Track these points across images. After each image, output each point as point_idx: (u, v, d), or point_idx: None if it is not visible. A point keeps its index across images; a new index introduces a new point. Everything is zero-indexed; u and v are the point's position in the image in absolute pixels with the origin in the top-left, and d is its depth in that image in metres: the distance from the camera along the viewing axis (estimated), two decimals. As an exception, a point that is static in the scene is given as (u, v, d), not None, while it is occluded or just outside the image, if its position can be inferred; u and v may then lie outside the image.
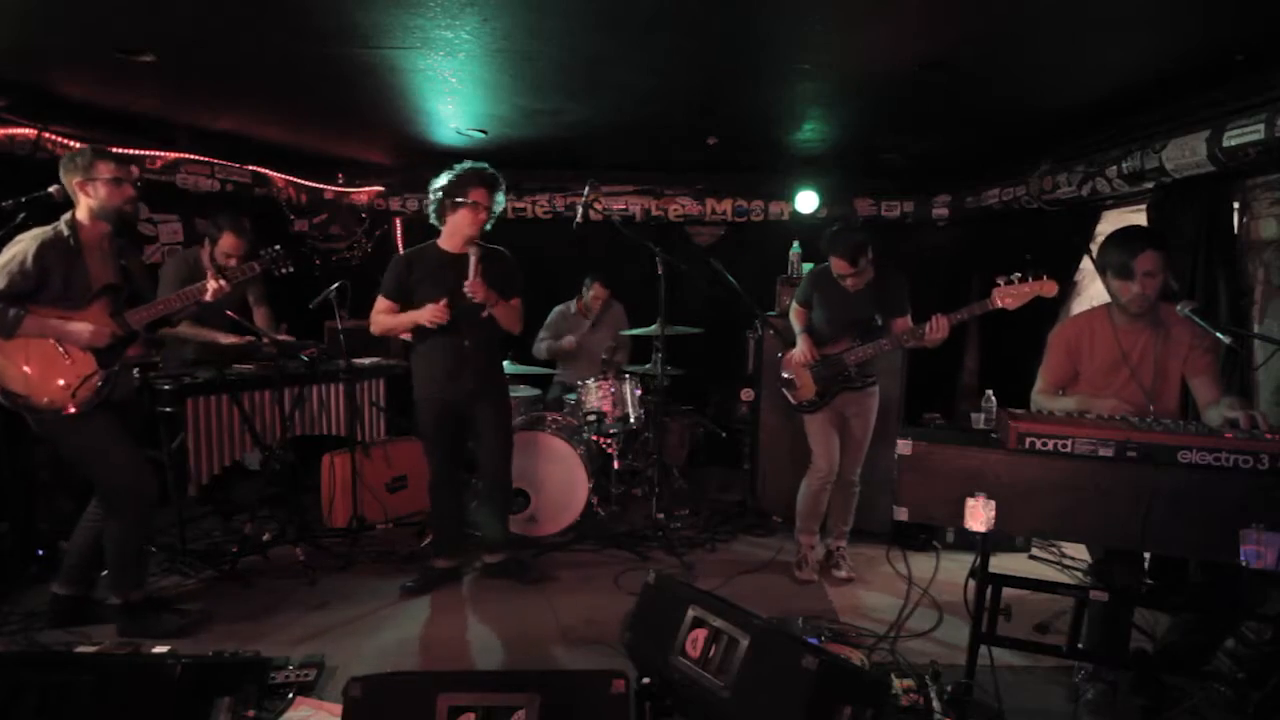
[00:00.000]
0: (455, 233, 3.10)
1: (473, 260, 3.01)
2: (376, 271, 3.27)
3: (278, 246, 3.09)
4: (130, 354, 2.78)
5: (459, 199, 3.03)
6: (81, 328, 2.61)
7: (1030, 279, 2.79)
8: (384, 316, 3.15)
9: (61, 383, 2.59)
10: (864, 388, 3.38)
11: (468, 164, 3.08)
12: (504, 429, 3.37)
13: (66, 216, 2.63)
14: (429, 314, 3.03)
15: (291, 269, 3.11)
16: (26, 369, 2.56)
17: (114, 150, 2.69)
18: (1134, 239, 2.40)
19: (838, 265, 3.17)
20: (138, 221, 2.78)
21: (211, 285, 2.82)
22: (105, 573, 2.83)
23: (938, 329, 3.01)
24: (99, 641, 2.72)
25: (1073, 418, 2.16)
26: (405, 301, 3.13)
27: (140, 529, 2.81)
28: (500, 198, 3.13)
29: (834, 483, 3.48)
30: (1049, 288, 2.79)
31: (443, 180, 3.07)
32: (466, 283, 2.99)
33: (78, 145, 3.51)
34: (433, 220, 3.16)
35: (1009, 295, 2.81)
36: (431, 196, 3.11)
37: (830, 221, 5.08)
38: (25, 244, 2.51)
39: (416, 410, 3.28)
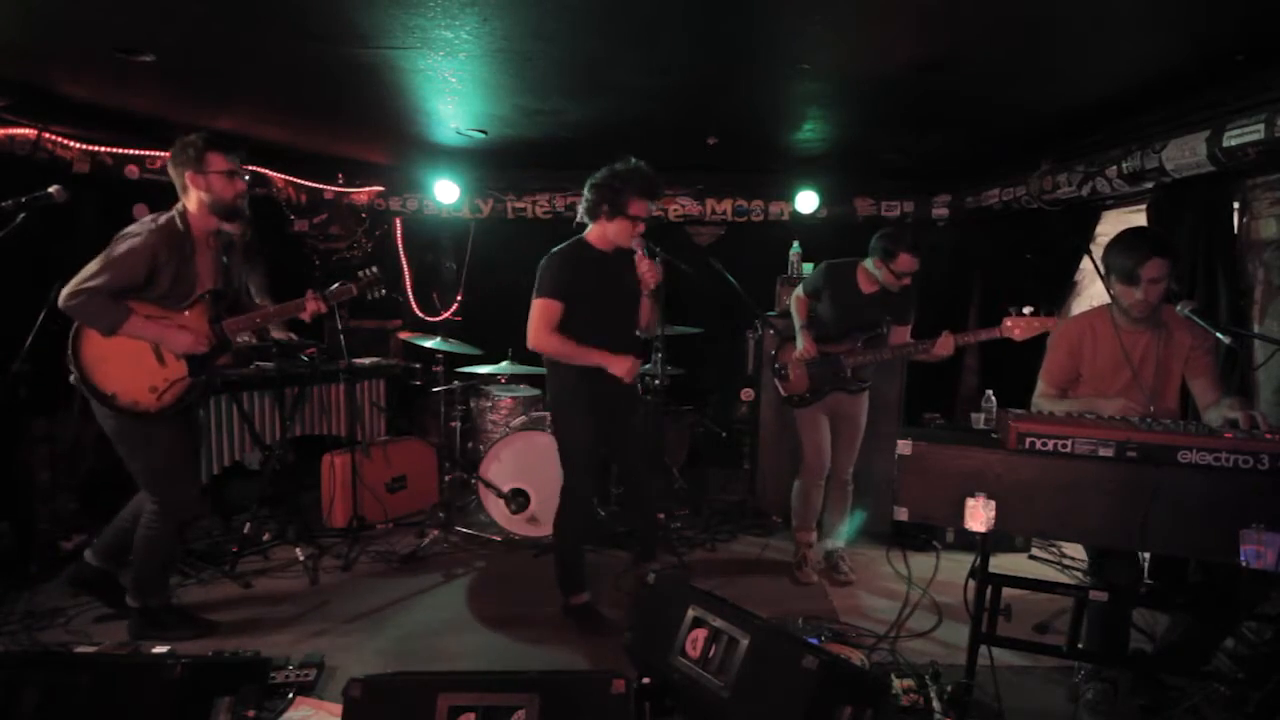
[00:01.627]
0: (607, 239, 2.83)
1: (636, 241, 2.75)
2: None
3: (374, 268, 3.03)
4: (220, 363, 2.74)
5: (625, 211, 2.75)
6: (183, 335, 2.56)
7: (1041, 314, 2.86)
8: (563, 345, 2.75)
9: (150, 385, 2.56)
10: (857, 391, 3.38)
11: (639, 167, 2.80)
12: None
13: (179, 208, 2.57)
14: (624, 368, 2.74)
15: (384, 292, 3.06)
16: (120, 367, 2.52)
17: (225, 141, 2.58)
18: (1141, 245, 2.37)
19: (908, 263, 3.14)
20: (244, 218, 2.67)
21: (311, 304, 2.81)
22: (129, 574, 2.80)
23: (944, 346, 3.05)
24: (99, 641, 2.72)
25: (1072, 417, 2.16)
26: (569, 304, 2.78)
27: (170, 538, 2.79)
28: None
29: (829, 482, 3.48)
30: (1053, 325, 2.82)
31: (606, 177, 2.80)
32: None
33: (77, 145, 3.52)
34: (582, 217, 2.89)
35: (1019, 327, 2.87)
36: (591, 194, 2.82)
37: (830, 221, 5.11)
38: (141, 238, 2.46)
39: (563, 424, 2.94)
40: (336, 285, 2.92)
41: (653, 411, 4.12)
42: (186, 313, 2.60)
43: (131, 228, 2.51)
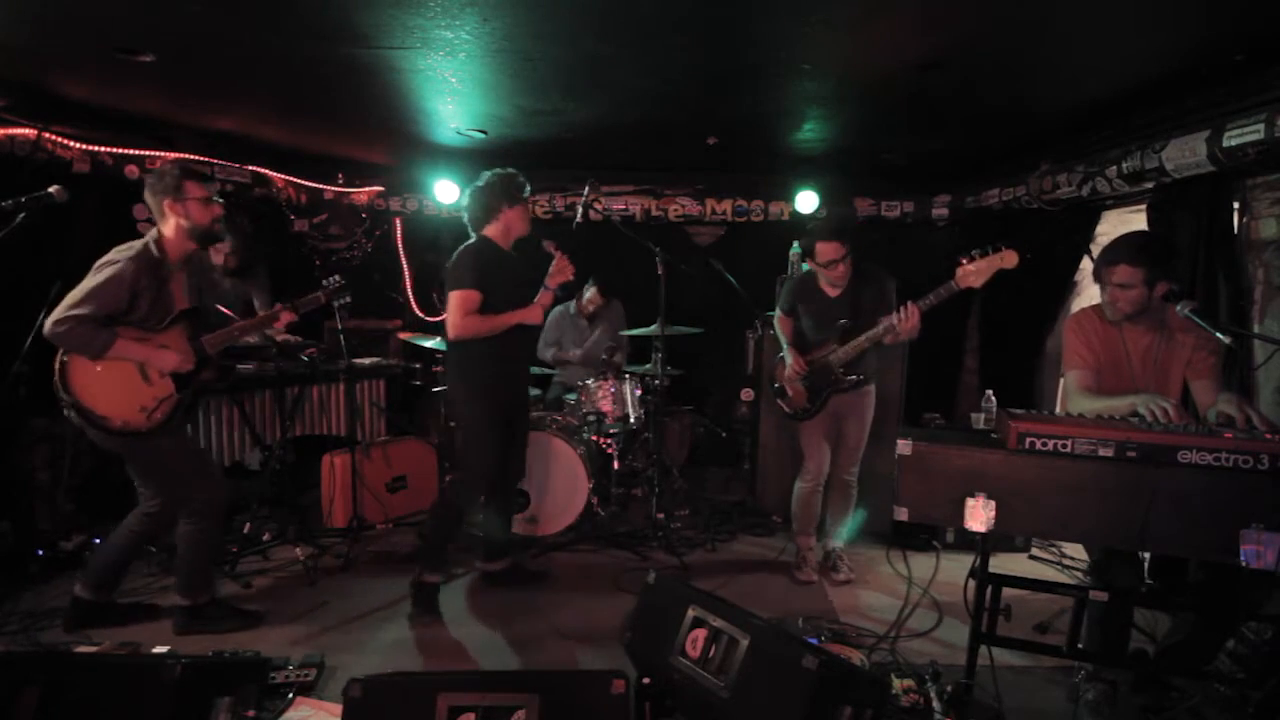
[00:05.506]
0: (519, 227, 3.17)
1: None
2: (376, 272, 3.26)
3: (337, 276, 3.20)
4: (203, 378, 2.79)
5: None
6: (169, 355, 2.63)
7: (990, 252, 2.75)
8: (483, 322, 3.02)
9: (139, 405, 2.61)
10: (855, 388, 3.36)
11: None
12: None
13: (153, 235, 2.64)
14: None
15: (349, 299, 3.23)
16: (109, 389, 2.57)
17: (196, 165, 2.81)
18: (1116, 249, 2.40)
19: (827, 250, 3.16)
20: (221, 240, 2.86)
21: (285, 316, 2.96)
22: (175, 574, 2.86)
23: (909, 317, 2.97)
24: (99, 641, 2.72)
25: (1071, 417, 2.16)
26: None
27: (214, 534, 2.87)
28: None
29: (830, 483, 3.48)
30: (1009, 258, 2.75)
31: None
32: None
33: (77, 145, 3.53)
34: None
35: (971, 273, 2.79)
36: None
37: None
38: (120, 265, 2.52)
39: (479, 419, 3.08)
40: (305, 296, 3.12)
41: (653, 411, 4.13)
42: (166, 333, 2.66)
43: (109, 255, 2.57)
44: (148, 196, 2.65)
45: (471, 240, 3.09)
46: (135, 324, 2.58)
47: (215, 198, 2.72)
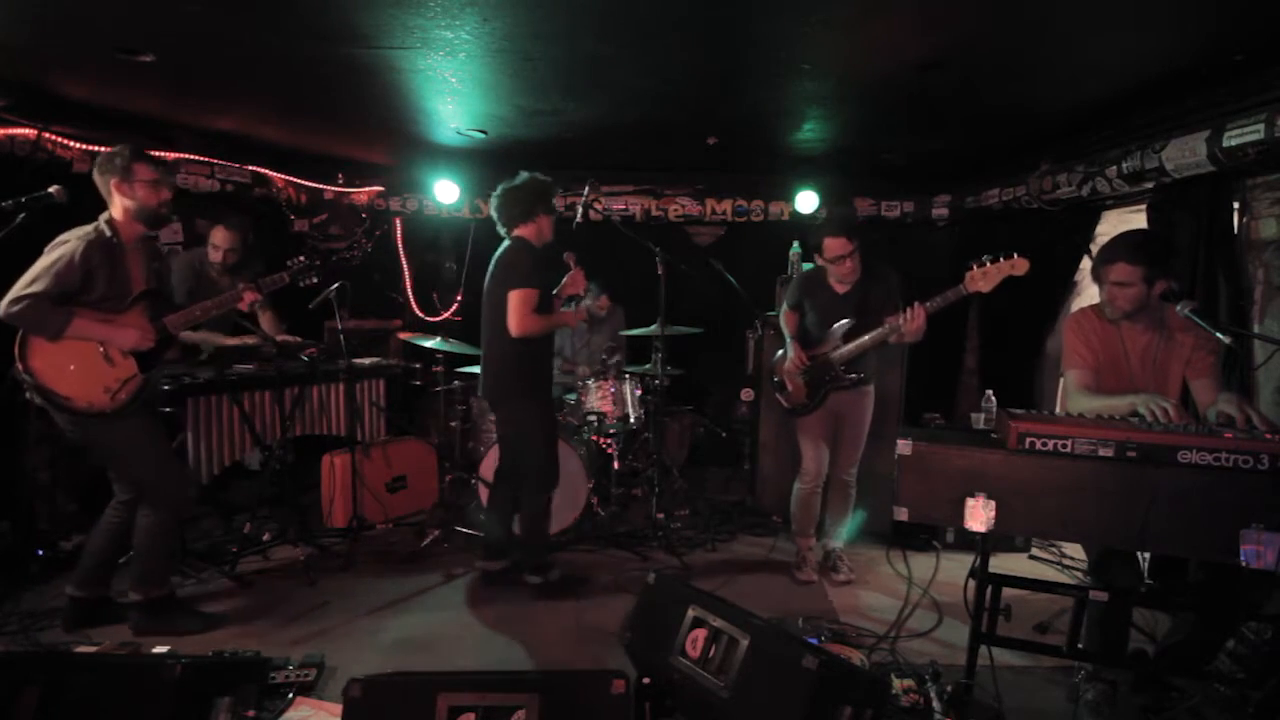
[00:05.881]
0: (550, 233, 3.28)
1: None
2: (376, 272, 3.27)
3: (302, 257, 3.18)
4: (167, 357, 2.80)
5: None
6: (128, 333, 2.63)
7: (1001, 259, 2.77)
8: (543, 319, 3.16)
9: (103, 385, 2.61)
10: (855, 386, 3.36)
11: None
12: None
13: (105, 216, 2.65)
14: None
15: (318, 280, 3.20)
16: (71, 370, 2.56)
17: (149, 154, 2.72)
18: (1114, 248, 2.40)
19: (835, 245, 3.16)
20: (169, 223, 2.82)
21: (248, 295, 2.91)
22: (130, 567, 2.83)
23: (915, 318, 2.97)
24: (99, 641, 2.72)
25: (1071, 417, 2.16)
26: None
27: (172, 528, 2.87)
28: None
29: (828, 484, 3.48)
30: (1019, 266, 2.76)
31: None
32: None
33: (77, 145, 3.52)
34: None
35: (980, 279, 2.81)
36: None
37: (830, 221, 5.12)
38: (71, 244, 2.52)
39: (541, 415, 3.24)
40: (233, 258, 3.17)
41: (653, 411, 4.13)
42: (126, 314, 2.66)
43: (61, 236, 2.57)
44: (96, 176, 2.64)
45: (512, 240, 3.19)
46: (94, 305, 2.58)
47: (165, 181, 2.70)
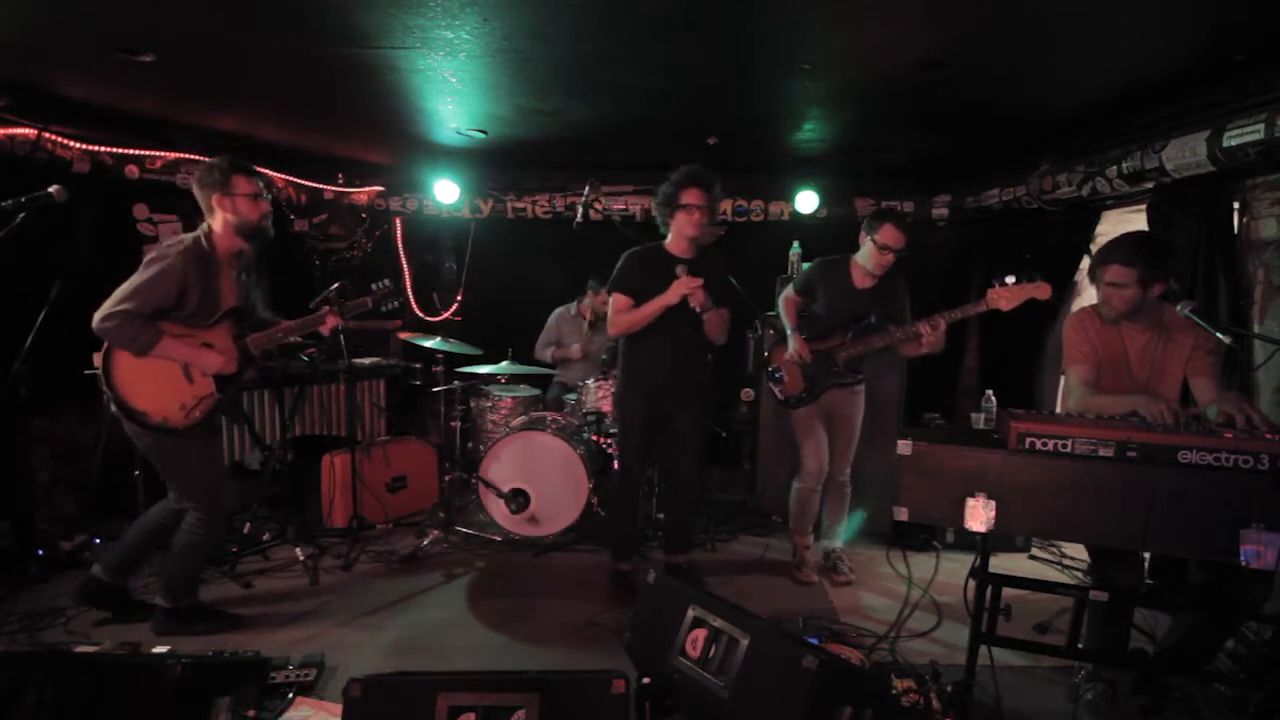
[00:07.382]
0: (679, 235, 3.12)
1: (680, 268, 3.05)
2: (376, 271, 3.27)
3: (386, 281, 3.18)
4: (245, 378, 2.79)
5: (676, 204, 3.06)
6: (213, 357, 2.64)
7: (1025, 281, 2.80)
8: (625, 315, 3.15)
9: (180, 403, 2.61)
10: (852, 385, 3.36)
11: (684, 167, 3.10)
12: (701, 434, 3.35)
13: (204, 228, 2.64)
14: (682, 286, 2.99)
15: (398, 304, 3.23)
16: (151, 385, 2.57)
17: (249, 166, 2.71)
18: (1109, 249, 2.41)
19: (890, 235, 3.14)
20: (268, 238, 2.80)
21: (330, 319, 2.94)
22: (160, 570, 2.84)
23: (935, 329, 2.99)
24: (99, 641, 2.72)
25: (1071, 417, 2.16)
26: (638, 300, 3.14)
27: (211, 545, 2.87)
28: (718, 193, 3.12)
29: (824, 485, 3.47)
30: (1043, 290, 2.79)
31: (663, 187, 3.13)
32: (681, 281, 3.01)
33: (77, 145, 3.53)
34: (660, 229, 3.21)
35: (1003, 297, 2.83)
36: (654, 205, 3.19)
37: (830, 221, 5.11)
38: (170, 260, 2.51)
39: (619, 406, 3.34)
40: (354, 300, 3.07)
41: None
42: (212, 330, 2.66)
43: (159, 250, 2.55)
44: (195, 190, 2.63)
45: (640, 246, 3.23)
46: (183, 320, 2.58)
47: (264, 194, 2.70)
